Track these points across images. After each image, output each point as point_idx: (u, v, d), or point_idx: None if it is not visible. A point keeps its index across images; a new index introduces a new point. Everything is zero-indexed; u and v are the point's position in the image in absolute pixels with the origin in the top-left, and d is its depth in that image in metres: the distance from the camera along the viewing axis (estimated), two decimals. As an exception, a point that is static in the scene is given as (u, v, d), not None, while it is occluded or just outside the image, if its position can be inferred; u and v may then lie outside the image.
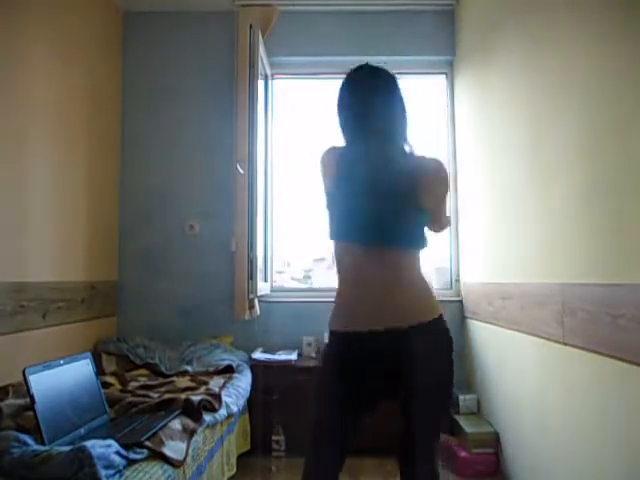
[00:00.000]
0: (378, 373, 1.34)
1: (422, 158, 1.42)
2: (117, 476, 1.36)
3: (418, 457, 1.36)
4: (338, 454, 1.36)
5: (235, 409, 2.28)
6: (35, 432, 1.51)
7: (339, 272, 1.43)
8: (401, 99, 1.45)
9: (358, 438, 1.38)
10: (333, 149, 1.45)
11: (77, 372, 1.78)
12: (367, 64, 1.48)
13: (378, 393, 1.40)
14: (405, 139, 1.43)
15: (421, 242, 1.41)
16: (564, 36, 1.88)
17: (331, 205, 1.42)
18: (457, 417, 2.85)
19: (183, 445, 1.69)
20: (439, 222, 1.49)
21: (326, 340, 1.46)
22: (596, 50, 1.65)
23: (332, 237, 1.43)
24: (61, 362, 1.71)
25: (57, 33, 2.60)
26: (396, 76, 1.47)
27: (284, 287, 3.57)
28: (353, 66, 1.49)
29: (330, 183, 1.42)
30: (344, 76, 1.49)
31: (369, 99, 1.42)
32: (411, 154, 1.42)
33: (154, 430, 1.65)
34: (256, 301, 3.09)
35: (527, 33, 2.23)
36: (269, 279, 3.43)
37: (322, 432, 1.37)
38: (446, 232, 3.38)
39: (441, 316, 1.36)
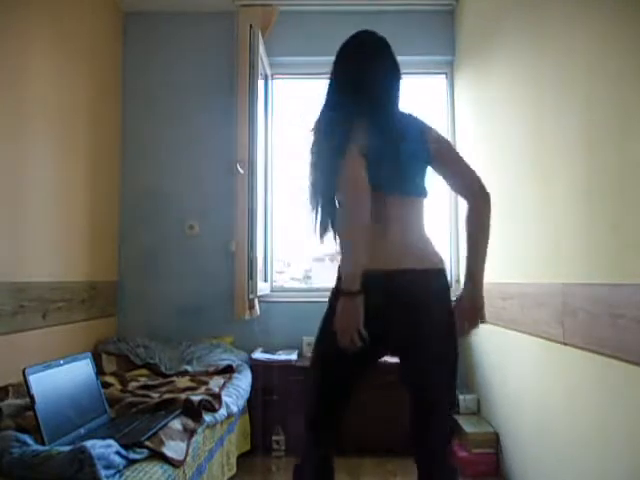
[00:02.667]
0: (395, 311, 1.34)
1: (417, 118, 1.52)
2: (117, 476, 1.36)
3: (432, 423, 1.35)
4: (345, 397, 1.42)
5: (235, 409, 2.28)
6: (35, 432, 1.50)
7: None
8: (396, 65, 1.54)
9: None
10: (327, 112, 1.49)
11: (77, 372, 1.78)
12: (361, 32, 1.55)
13: (389, 335, 1.38)
14: (398, 102, 1.53)
15: (426, 190, 1.49)
16: (564, 35, 1.87)
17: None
18: (457, 417, 2.85)
19: (183, 445, 1.69)
20: (466, 176, 1.48)
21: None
22: (596, 49, 1.65)
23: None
24: (61, 362, 1.71)
25: (57, 33, 2.60)
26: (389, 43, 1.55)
27: (284, 287, 3.57)
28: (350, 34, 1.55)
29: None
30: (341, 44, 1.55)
31: (364, 68, 1.48)
32: (407, 115, 1.51)
33: (154, 430, 1.65)
34: (256, 301, 3.09)
35: (527, 32, 2.23)
36: (269, 279, 3.43)
37: (331, 368, 1.41)
38: (445, 233, 3.40)
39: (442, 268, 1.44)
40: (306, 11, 3.39)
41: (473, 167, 1.50)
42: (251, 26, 3.00)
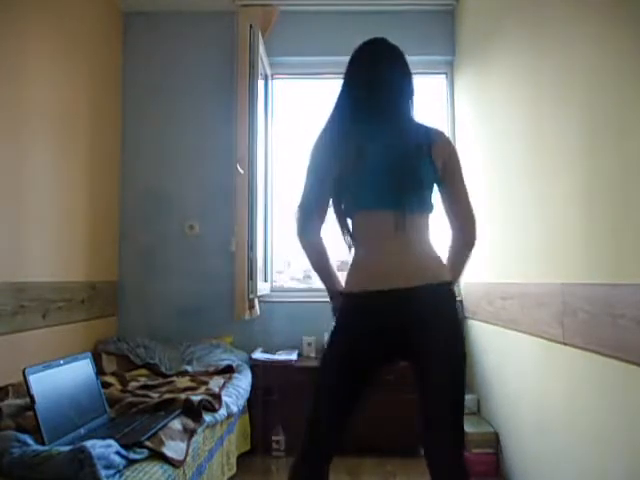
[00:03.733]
0: (394, 331, 1.34)
1: (429, 128, 1.48)
2: (117, 476, 1.36)
3: (442, 425, 1.34)
4: (342, 423, 1.39)
5: (235, 409, 2.28)
6: (35, 432, 1.50)
7: (358, 240, 1.45)
8: (409, 72, 1.52)
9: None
10: (329, 129, 1.47)
11: (77, 372, 1.78)
12: (376, 38, 1.54)
13: (390, 352, 1.40)
14: (411, 110, 1.50)
15: (432, 205, 1.47)
16: (564, 35, 1.88)
17: (344, 179, 1.41)
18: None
19: (183, 445, 1.69)
20: (462, 205, 1.49)
21: (331, 327, 1.46)
22: (596, 49, 1.65)
23: (351, 209, 1.44)
24: (61, 362, 1.71)
25: (57, 34, 2.60)
26: (403, 51, 1.54)
27: (284, 287, 3.57)
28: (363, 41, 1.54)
29: (338, 161, 1.41)
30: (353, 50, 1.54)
31: (377, 70, 1.47)
32: (418, 123, 1.48)
33: (154, 430, 1.65)
34: (256, 301, 3.09)
35: (527, 32, 2.23)
36: (269, 279, 3.43)
37: (329, 393, 1.39)
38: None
39: (451, 281, 1.42)
40: (306, 11, 3.39)
41: (470, 194, 1.51)
42: (251, 26, 3.00)
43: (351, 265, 1.45)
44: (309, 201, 1.46)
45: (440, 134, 1.48)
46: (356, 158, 1.38)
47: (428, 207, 1.46)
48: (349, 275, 1.43)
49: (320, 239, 1.49)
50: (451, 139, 1.51)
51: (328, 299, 1.54)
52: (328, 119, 1.50)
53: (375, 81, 1.46)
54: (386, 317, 1.33)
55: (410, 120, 1.48)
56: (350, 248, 1.48)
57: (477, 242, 1.52)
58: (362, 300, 1.36)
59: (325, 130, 1.48)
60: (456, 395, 1.35)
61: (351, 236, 1.47)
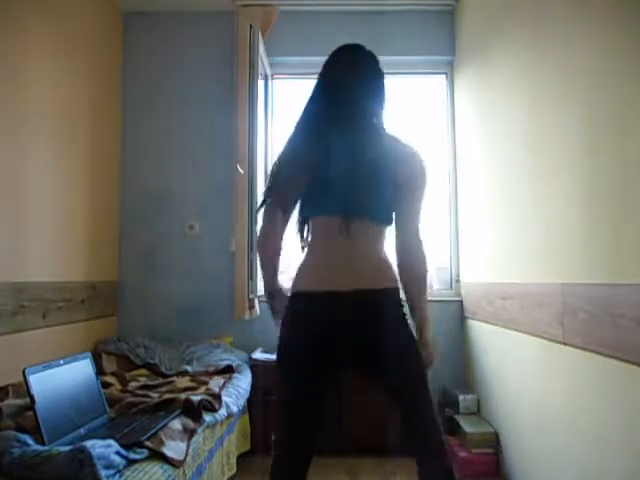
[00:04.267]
0: (349, 334, 1.34)
1: (397, 142, 1.45)
2: (117, 476, 1.36)
3: (420, 425, 1.34)
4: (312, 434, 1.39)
5: (235, 409, 2.28)
6: (35, 432, 1.50)
7: (310, 243, 1.46)
8: (381, 79, 1.49)
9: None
10: (290, 148, 1.47)
11: (77, 372, 1.78)
12: (350, 44, 1.52)
13: (346, 358, 1.39)
14: (380, 120, 1.48)
15: (390, 219, 1.44)
16: (564, 35, 1.88)
17: (308, 187, 1.42)
18: (457, 417, 2.85)
19: (183, 445, 1.69)
20: (405, 237, 1.42)
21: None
22: (596, 48, 1.65)
23: (307, 213, 1.47)
24: (61, 362, 1.71)
25: (57, 34, 2.60)
26: (377, 57, 1.51)
27: (284, 287, 3.57)
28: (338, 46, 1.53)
29: (301, 172, 1.41)
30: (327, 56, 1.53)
31: (347, 76, 1.46)
32: (387, 136, 1.46)
33: (154, 430, 1.65)
34: (256, 301, 3.09)
35: (527, 32, 2.23)
36: (269, 279, 3.42)
37: (298, 404, 1.39)
38: (445, 233, 3.40)
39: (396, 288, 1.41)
40: (306, 11, 3.39)
41: (420, 228, 1.45)
42: (251, 26, 3.00)
43: (300, 267, 1.45)
44: (279, 204, 1.47)
45: (412, 155, 1.44)
46: (321, 164, 1.38)
47: (383, 218, 1.43)
48: (298, 276, 1.44)
49: (281, 242, 1.51)
50: (425, 167, 1.45)
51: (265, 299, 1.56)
52: (298, 122, 1.49)
53: (349, 89, 1.45)
54: (337, 316, 1.33)
55: (381, 132, 1.46)
56: (302, 249, 1.50)
57: (427, 274, 1.45)
58: (314, 298, 1.36)
59: (295, 134, 1.48)
60: (419, 387, 1.36)
61: (303, 239, 1.49)
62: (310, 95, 1.51)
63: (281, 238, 1.51)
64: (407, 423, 1.36)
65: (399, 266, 1.43)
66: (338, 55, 1.52)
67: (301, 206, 1.48)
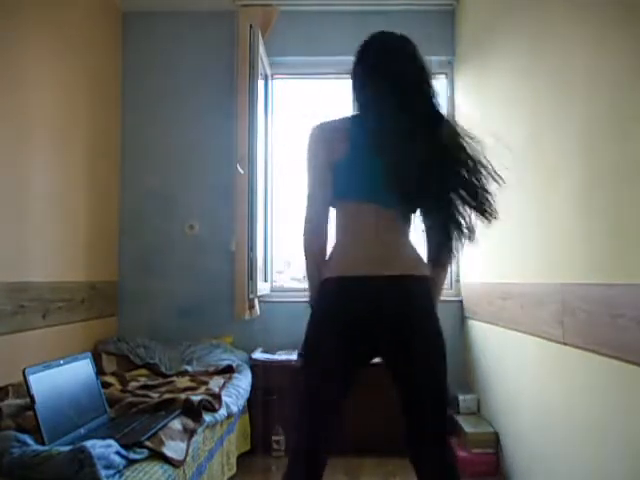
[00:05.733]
0: (388, 319, 1.33)
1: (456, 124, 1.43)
2: (117, 476, 1.36)
3: (428, 433, 1.34)
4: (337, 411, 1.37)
5: (235, 409, 2.28)
6: (35, 432, 1.50)
7: (342, 227, 1.42)
8: (418, 58, 1.45)
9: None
10: (333, 122, 1.44)
11: (77, 372, 1.78)
12: (386, 32, 1.48)
13: (376, 345, 1.38)
14: (435, 96, 1.43)
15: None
16: (564, 35, 1.88)
17: (341, 169, 1.38)
18: (457, 417, 2.85)
19: (183, 445, 1.69)
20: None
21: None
22: (595, 49, 1.65)
23: (341, 195, 1.41)
24: (61, 362, 1.71)
25: (57, 34, 2.60)
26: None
27: (284, 287, 3.57)
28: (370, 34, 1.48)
29: (338, 154, 1.38)
30: (363, 42, 1.48)
31: (396, 57, 1.42)
32: (445, 119, 1.44)
33: (154, 430, 1.65)
34: (256, 301, 3.09)
35: (527, 33, 2.23)
36: (269, 279, 3.43)
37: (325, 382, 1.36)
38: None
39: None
40: (306, 11, 3.39)
41: None
42: (251, 26, 3.00)
43: (334, 252, 1.42)
44: (317, 215, 1.42)
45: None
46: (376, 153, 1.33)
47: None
48: (333, 261, 1.40)
49: (325, 253, 1.45)
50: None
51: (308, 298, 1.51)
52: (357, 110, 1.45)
53: (400, 76, 1.40)
54: (373, 301, 1.32)
55: (436, 115, 1.43)
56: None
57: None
58: (348, 283, 1.34)
59: (345, 121, 1.44)
60: (440, 394, 1.36)
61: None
62: (352, 86, 1.47)
63: (325, 253, 1.45)
64: (415, 418, 1.35)
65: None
66: (377, 38, 1.47)
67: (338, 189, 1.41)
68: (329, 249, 1.44)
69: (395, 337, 1.34)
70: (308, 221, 1.42)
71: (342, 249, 1.41)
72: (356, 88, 1.48)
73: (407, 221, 1.43)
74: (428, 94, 1.42)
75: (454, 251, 1.42)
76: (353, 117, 1.47)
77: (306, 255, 1.45)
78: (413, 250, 1.43)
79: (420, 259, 1.42)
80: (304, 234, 1.43)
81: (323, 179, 1.40)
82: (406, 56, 1.43)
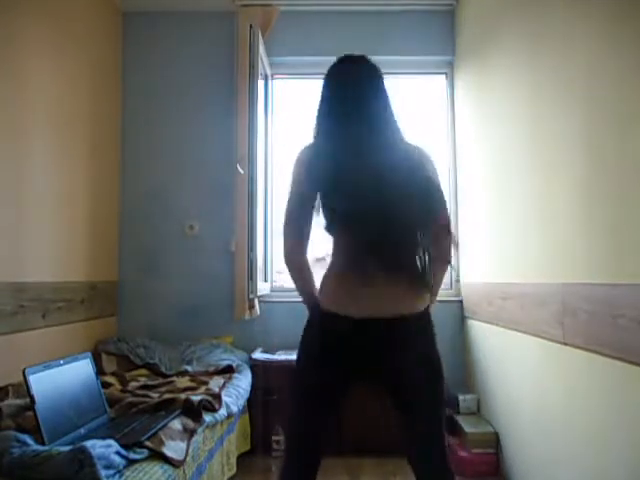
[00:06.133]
0: (382, 359, 1.34)
1: (418, 148, 1.45)
2: (117, 476, 1.36)
3: (431, 451, 1.37)
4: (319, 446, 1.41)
5: (235, 409, 2.28)
6: (35, 432, 1.50)
7: (338, 257, 1.41)
8: (385, 89, 1.46)
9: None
10: (312, 146, 1.44)
11: (77, 372, 1.78)
12: (350, 55, 1.51)
13: (366, 377, 1.42)
14: (397, 124, 1.45)
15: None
16: (564, 34, 1.88)
17: (329, 202, 1.37)
18: (457, 417, 2.85)
19: (183, 445, 1.69)
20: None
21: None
22: (596, 48, 1.65)
23: (334, 232, 1.41)
24: (61, 362, 1.71)
25: (57, 34, 2.60)
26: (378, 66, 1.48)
27: (284, 287, 3.57)
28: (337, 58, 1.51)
29: (319, 183, 1.38)
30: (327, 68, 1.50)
31: (358, 86, 1.43)
32: (408, 143, 1.44)
33: (154, 430, 1.65)
34: (256, 301, 3.09)
35: (527, 32, 2.23)
36: (269, 279, 3.43)
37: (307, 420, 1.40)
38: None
39: (429, 306, 1.40)
40: (306, 11, 3.39)
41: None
42: (251, 26, 3.00)
43: (328, 276, 1.42)
44: (297, 220, 1.44)
45: (428, 157, 1.46)
46: (346, 175, 1.33)
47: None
48: (327, 287, 1.41)
49: (306, 260, 1.46)
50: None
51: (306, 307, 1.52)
52: (315, 134, 1.45)
53: (359, 98, 1.42)
54: (368, 345, 1.32)
55: (401, 139, 1.44)
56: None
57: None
58: (345, 326, 1.33)
59: (313, 146, 1.44)
60: (438, 411, 1.38)
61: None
62: (318, 108, 1.48)
63: (307, 260, 1.47)
64: (415, 440, 1.39)
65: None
66: (341, 68, 1.49)
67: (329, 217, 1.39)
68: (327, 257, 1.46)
69: (392, 380, 1.38)
70: (287, 223, 1.45)
71: (335, 279, 1.40)
72: (321, 114, 1.48)
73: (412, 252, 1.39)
74: (394, 128, 1.44)
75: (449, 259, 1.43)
76: (316, 146, 1.44)
77: (289, 266, 1.48)
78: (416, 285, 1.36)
79: (419, 291, 1.37)
80: (284, 236, 1.46)
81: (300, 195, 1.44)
82: (371, 88, 1.44)
